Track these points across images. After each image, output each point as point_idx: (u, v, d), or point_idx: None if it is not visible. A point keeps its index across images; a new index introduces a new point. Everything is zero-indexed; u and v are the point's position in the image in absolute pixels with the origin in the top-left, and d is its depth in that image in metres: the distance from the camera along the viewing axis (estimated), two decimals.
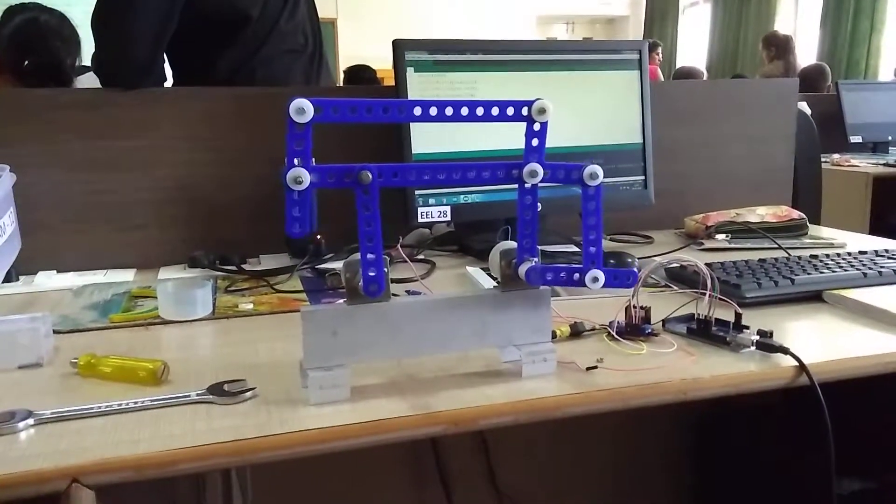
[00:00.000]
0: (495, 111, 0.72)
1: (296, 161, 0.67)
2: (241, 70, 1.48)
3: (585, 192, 0.74)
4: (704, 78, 5.83)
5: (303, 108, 0.65)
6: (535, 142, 0.73)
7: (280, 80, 1.51)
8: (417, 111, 0.70)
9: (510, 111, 0.73)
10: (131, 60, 1.28)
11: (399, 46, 1.27)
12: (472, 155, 1.29)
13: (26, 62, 1.89)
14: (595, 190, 0.74)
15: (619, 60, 1.42)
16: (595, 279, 0.75)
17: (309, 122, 0.66)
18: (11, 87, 1.88)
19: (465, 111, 0.72)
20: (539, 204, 0.74)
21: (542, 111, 0.72)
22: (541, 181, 0.74)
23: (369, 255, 0.70)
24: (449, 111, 0.71)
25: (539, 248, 0.77)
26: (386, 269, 0.72)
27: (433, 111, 0.71)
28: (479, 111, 0.72)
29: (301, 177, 0.67)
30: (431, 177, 0.72)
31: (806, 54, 7.25)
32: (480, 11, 9.35)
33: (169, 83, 1.47)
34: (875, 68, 6.71)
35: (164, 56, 1.39)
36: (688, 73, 5.86)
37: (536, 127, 0.73)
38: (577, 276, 0.75)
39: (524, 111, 0.72)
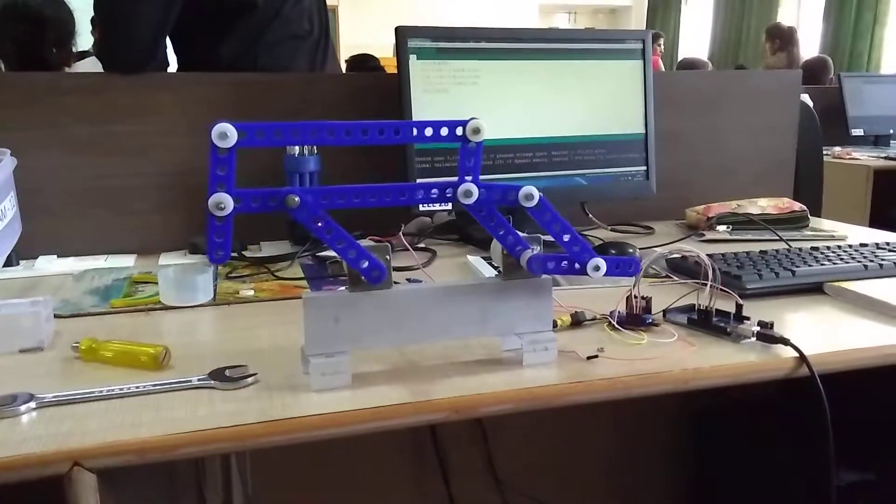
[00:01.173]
0: (429, 132, 0.71)
1: (218, 187, 0.65)
2: (243, 56, 1.47)
3: (531, 211, 0.74)
4: (709, 69, 5.78)
5: (225, 133, 0.64)
6: (470, 161, 0.72)
7: (283, 67, 1.51)
8: (348, 134, 0.69)
9: (444, 132, 0.71)
10: (133, 46, 1.27)
11: (402, 34, 1.27)
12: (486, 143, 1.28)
13: (4, 47, 1.89)
14: (539, 205, 0.73)
15: (623, 50, 1.41)
16: (597, 268, 0.75)
17: (233, 147, 0.65)
18: None
19: (397, 133, 0.70)
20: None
21: (477, 131, 0.71)
22: (475, 202, 0.72)
23: (350, 253, 0.70)
24: (381, 133, 0.70)
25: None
26: (387, 257, 0.72)
27: (364, 133, 0.69)
28: (413, 132, 0.71)
29: (223, 202, 0.65)
30: (363, 199, 0.70)
31: (808, 46, 7.22)
32: (482, 0, 9.31)
33: (174, 68, 1.46)
34: (878, 61, 6.69)
35: (168, 42, 1.38)
36: (691, 65, 5.82)
37: (471, 147, 0.72)
38: (578, 264, 0.75)
39: (458, 131, 0.71)
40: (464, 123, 0.71)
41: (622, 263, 0.76)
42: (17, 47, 1.92)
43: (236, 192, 0.66)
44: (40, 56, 1.95)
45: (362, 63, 4.29)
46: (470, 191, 0.72)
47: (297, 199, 0.67)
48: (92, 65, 2.25)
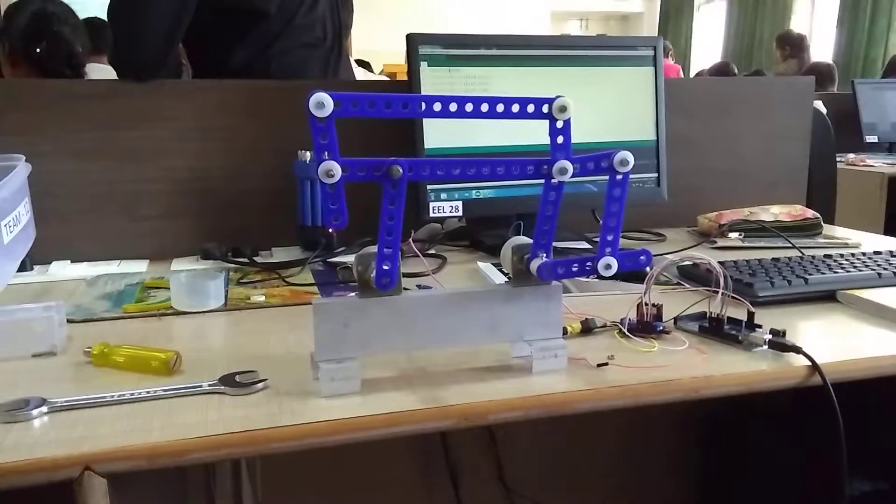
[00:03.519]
0: (515, 108, 0.72)
1: (325, 154, 0.67)
2: (255, 64, 1.48)
3: (613, 178, 0.73)
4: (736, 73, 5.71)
5: (322, 103, 0.65)
6: (560, 139, 0.73)
7: (295, 74, 1.51)
8: (437, 107, 0.70)
9: (530, 108, 0.72)
10: (145, 54, 1.28)
11: (413, 41, 1.27)
12: (486, 150, 1.28)
13: (38, 49, 1.92)
14: (623, 176, 0.73)
15: (634, 57, 1.41)
16: (608, 266, 0.74)
17: (330, 116, 0.66)
18: (30, 78, 1.90)
19: (484, 107, 0.71)
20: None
21: (563, 109, 0.71)
22: (571, 177, 0.73)
23: (386, 249, 0.70)
24: (469, 107, 0.71)
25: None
26: (398, 263, 0.72)
27: (453, 107, 0.70)
28: (500, 108, 0.72)
29: (332, 169, 0.67)
30: (462, 171, 0.72)
31: (822, 53, 7.19)
32: (494, 7, 9.33)
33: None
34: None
35: (182, 48, 1.39)
36: (721, 70, 5.69)
37: (559, 124, 0.72)
38: (588, 265, 0.74)
39: (545, 109, 0.72)
40: (550, 101, 0.72)
41: (632, 255, 0.75)
42: (54, 52, 1.94)
43: (343, 161, 0.67)
44: (76, 57, 1.98)
45: (363, 68, 4.37)
46: (565, 168, 0.72)
47: (400, 169, 0.68)
48: (98, 69, 2.27)
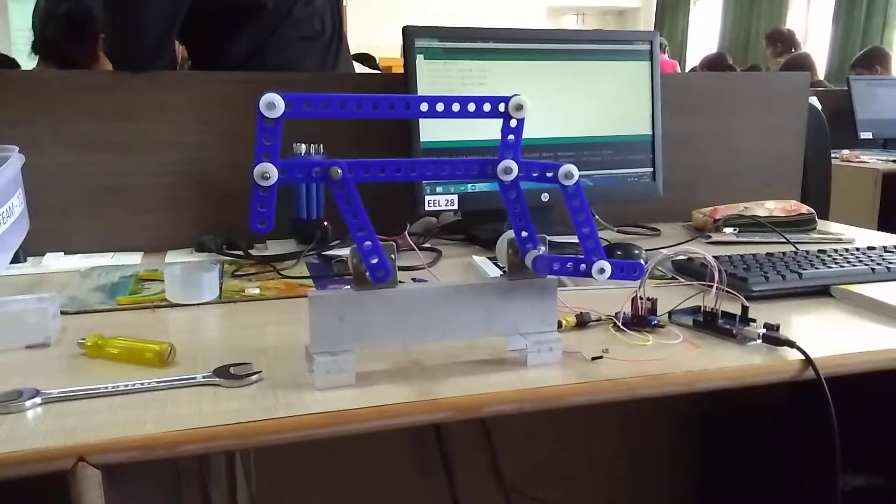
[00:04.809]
0: (471, 107, 0.71)
1: (264, 156, 0.66)
2: (253, 57, 1.48)
3: (565, 191, 0.73)
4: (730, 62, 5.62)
5: (273, 103, 0.64)
6: (510, 138, 0.72)
7: (293, 67, 1.51)
8: (392, 107, 0.69)
9: (487, 107, 0.71)
10: (140, 46, 1.27)
11: (409, 33, 1.27)
12: (480, 144, 1.28)
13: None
14: (574, 188, 0.73)
15: (631, 51, 1.41)
16: (601, 270, 0.75)
17: (279, 118, 0.65)
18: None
19: (440, 107, 0.70)
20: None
21: (520, 107, 0.71)
22: (514, 178, 0.72)
23: (366, 244, 0.70)
24: (424, 107, 0.70)
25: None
26: (393, 256, 0.72)
27: (408, 107, 0.70)
28: (455, 107, 0.71)
29: (268, 172, 0.66)
30: (404, 173, 0.71)
31: (818, 49, 7.20)
32: (490, 1, 9.30)
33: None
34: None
35: (182, 46, 1.38)
36: (713, 62, 5.57)
37: (513, 123, 0.71)
38: (583, 266, 0.75)
39: (501, 107, 0.71)
40: (506, 100, 0.71)
41: (626, 267, 0.76)
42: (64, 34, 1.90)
43: (281, 163, 0.66)
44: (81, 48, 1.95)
45: (363, 62, 4.30)
46: (510, 167, 0.72)
47: (339, 170, 0.67)
48: None
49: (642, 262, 0.79)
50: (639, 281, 0.84)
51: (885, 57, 4.40)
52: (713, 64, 5.41)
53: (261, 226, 0.67)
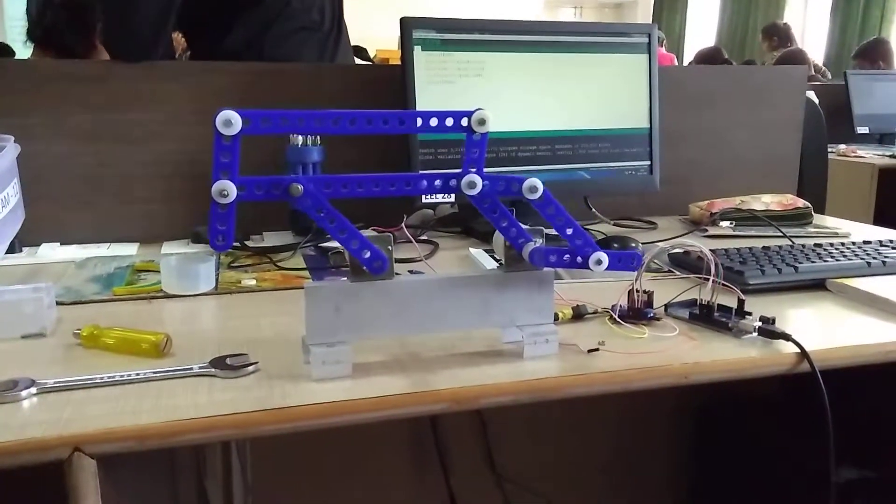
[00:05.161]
0: (434, 122, 0.70)
1: (222, 174, 0.65)
2: (250, 48, 1.47)
3: (534, 203, 0.73)
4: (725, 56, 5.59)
5: (230, 121, 0.63)
6: (475, 152, 0.72)
7: (290, 59, 1.50)
8: (352, 123, 0.68)
9: (449, 122, 0.71)
10: (135, 36, 1.27)
11: (406, 24, 1.26)
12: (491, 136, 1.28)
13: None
14: (543, 198, 0.73)
15: (628, 44, 1.41)
16: (599, 262, 0.75)
17: (237, 135, 0.64)
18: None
19: (401, 122, 0.70)
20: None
21: (482, 122, 0.70)
22: (478, 193, 0.72)
23: (353, 243, 0.70)
24: (385, 122, 0.69)
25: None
26: (390, 248, 0.72)
27: (368, 123, 0.69)
28: (418, 122, 0.71)
29: (227, 190, 0.65)
30: (366, 189, 0.70)
31: (816, 44, 7.20)
32: None
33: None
34: None
35: (181, 38, 1.37)
36: (708, 56, 5.53)
37: (476, 137, 0.71)
38: (580, 258, 0.75)
39: (463, 122, 0.71)
40: (469, 114, 0.70)
41: (624, 257, 0.76)
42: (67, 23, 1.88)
43: (240, 181, 0.66)
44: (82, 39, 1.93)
45: (355, 55, 4.29)
46: (474, 182, 0.72)
47: (300, 187, 0.67)
48: None
49: (639, 253, 0.79)
50: (635, 274, 0.84)
51: (888, 51, 4.40)
52: (708, 58, 5.36)
53: (220, 243, 0.67)
